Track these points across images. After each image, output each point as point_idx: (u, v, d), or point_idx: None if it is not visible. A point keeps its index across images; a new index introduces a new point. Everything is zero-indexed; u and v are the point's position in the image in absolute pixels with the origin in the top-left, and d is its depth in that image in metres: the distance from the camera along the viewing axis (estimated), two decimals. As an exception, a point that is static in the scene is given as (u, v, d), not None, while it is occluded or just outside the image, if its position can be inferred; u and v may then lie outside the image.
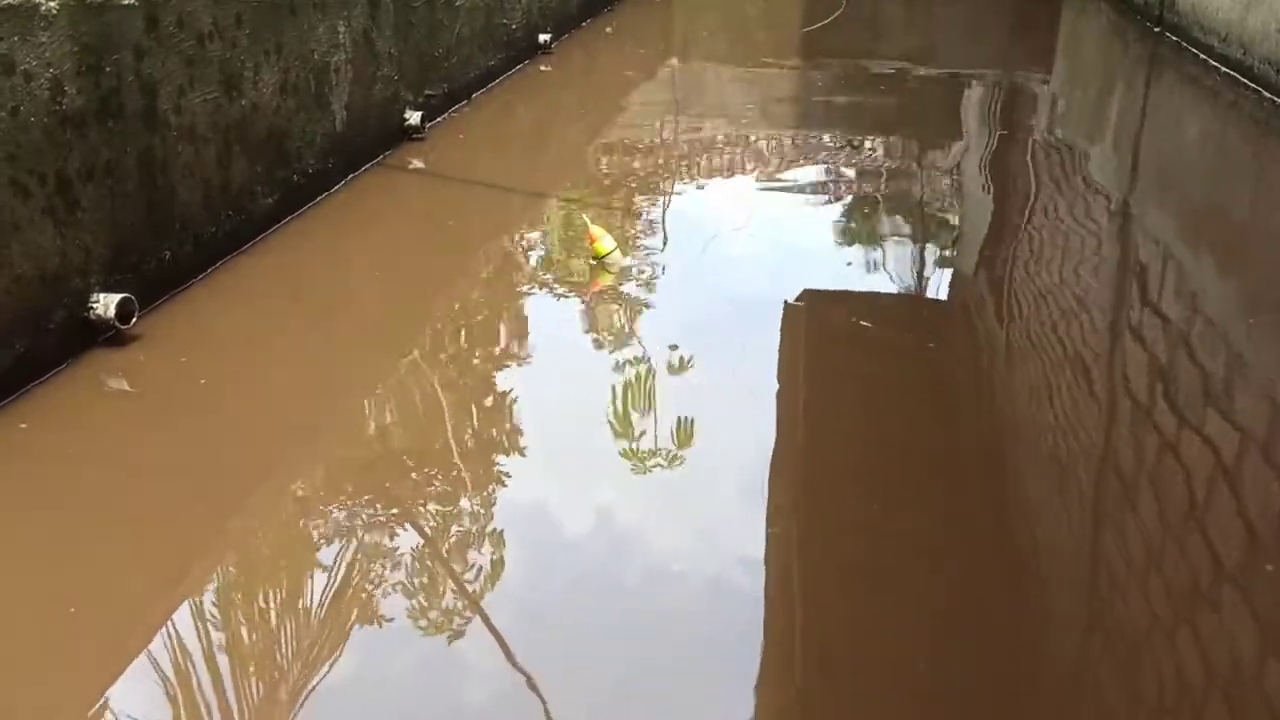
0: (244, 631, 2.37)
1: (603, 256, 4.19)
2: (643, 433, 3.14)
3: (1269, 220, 5.06)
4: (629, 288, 4.12)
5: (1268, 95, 6.50)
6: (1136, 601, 2.53)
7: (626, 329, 3.83)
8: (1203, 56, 7.58)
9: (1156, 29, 8.66)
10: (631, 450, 3.07)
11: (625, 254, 4.31)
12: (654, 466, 3.01)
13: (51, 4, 3.12)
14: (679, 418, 3.20)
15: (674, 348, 3.57)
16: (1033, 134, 6.80)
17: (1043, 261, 4.59)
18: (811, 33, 9.77)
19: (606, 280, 4.15)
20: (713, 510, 2.83)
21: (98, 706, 2.15)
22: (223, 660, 2.27)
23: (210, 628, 2.36)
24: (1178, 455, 3.04)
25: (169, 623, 2.35)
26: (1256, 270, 4.43)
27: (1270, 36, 6.55)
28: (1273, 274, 4.37)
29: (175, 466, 2.89)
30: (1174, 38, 8.25)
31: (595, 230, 4.24)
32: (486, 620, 2.38)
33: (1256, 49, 6.75)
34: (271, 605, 2.45)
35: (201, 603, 2.44)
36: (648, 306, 3.98)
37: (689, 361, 3.52)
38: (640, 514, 2.84)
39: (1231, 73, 7.05)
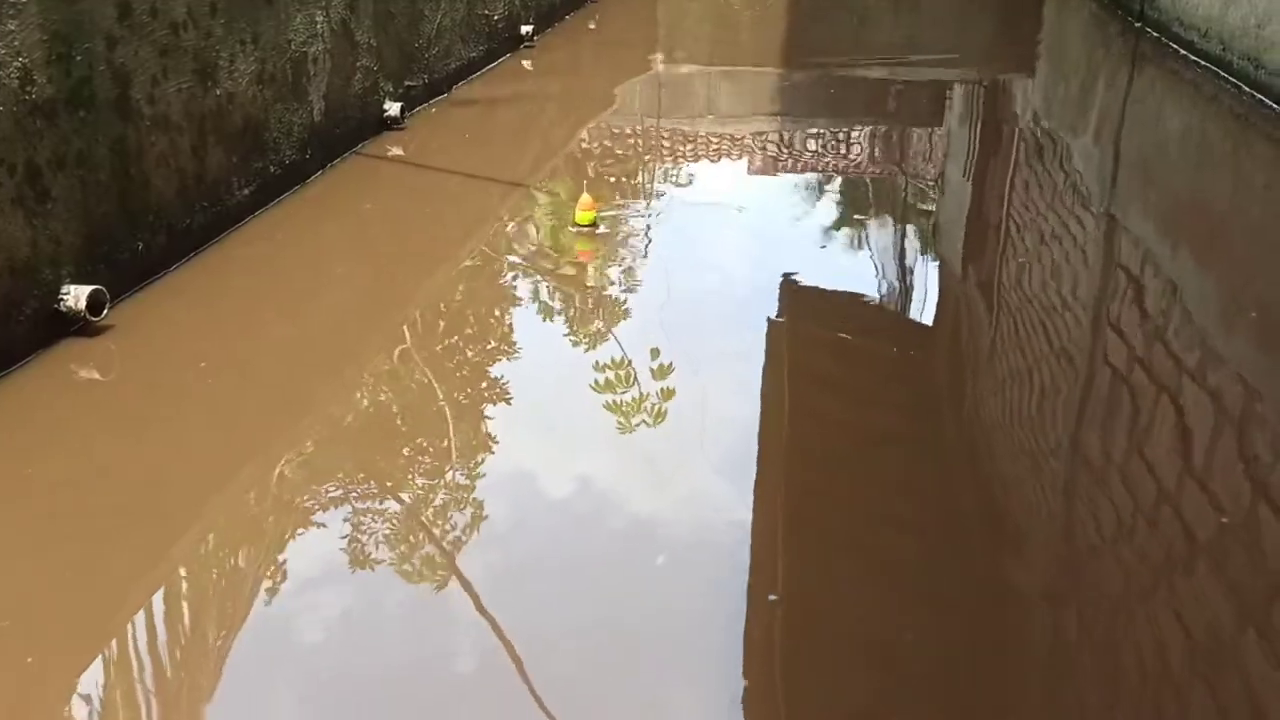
0: (231, 621, 2.36)
1: (585, 224, 4.44)
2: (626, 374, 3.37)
3: (1246, 213, 5.08)
4: (616, 267, 4.26)
5: (1246, 90, 6.52)
6: (1113, 567, 2.58)
7: (609, 304, 3.93)
8: (1183, 52, 7.60)
9: (1137, 24, 8.68)
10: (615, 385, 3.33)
11: (613, 231, 4.50)
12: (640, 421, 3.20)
13: (21, -8, 3.09)
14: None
15: (656, 352, 3.59)
16: (1016, 123, 6.82)
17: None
18: (797, 26, 9.76)
19: (586, 247, 4.38)
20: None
21: (69, 700, 2.14)
22: (215, 654, 2.26)
23: (186, 622, 2.35)
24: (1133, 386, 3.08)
25: (142, 613, 2.34)
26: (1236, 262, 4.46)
27: (1249, 32, 6.57)
28: (1250, 266, 4.40)
29: (146, 455, 2.88)
30: (1154, 33, 8.26)
31: (585, 199, 4.49)
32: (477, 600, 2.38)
33: (1236, 44, 6.77)
34: (257, 594, 2.44)
35: (175, 595, 2.43)
36: (632, 281, 4.11)
37: (668, 362, 3.53)
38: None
39: (1212, 67, 7.07)
